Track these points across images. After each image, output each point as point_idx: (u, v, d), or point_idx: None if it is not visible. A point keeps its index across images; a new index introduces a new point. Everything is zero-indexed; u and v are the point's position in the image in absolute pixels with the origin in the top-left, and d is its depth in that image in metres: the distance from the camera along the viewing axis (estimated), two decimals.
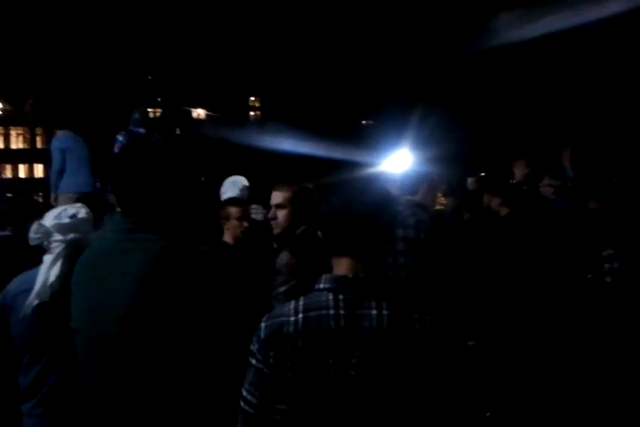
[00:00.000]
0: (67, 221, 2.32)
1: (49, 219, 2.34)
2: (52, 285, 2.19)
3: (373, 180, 1.58)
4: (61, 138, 6.18)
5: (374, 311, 1.41)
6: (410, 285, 3.20)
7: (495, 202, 4.83)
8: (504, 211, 4.69)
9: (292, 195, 2.90)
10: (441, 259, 3.26)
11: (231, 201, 4.01)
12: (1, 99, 42.82)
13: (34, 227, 2.33)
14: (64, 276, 2.12)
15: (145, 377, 1.50)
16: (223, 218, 3.70)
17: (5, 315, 2.31)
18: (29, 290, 2.22)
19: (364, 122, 43.44)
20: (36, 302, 2.18)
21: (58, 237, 2.29)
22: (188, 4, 40.62)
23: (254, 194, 4.89)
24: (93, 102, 33.15)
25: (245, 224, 3.69)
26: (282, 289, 2.65)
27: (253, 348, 1.46)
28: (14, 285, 2.39)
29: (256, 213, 4.84)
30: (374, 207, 1.48)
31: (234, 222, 3.67)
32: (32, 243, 2.37)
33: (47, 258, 2.28)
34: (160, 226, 1.56)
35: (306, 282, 2.53)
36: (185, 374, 1.51)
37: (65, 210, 2.37)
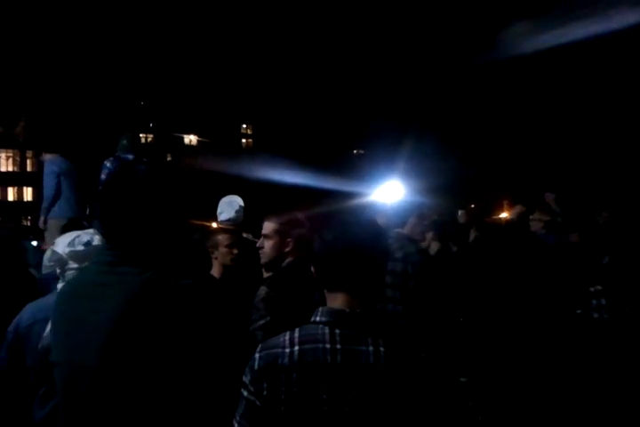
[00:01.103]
0: (81, 248, 2.23)
1: (61, 246, 2.25)
2: None
3: (365, 213, 1.58)
4: (56, 162, 6.09)
5: (371, 348, 1.40)
6: (397, 318, 3.18)
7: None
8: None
9: (279, 226, 2.92)
10: (429, 293, 3.24)
11: (220, 228, 3.95)
12: None
13: (47, 254, 2.24)
14: None
15: (124, 412, 1.46)
16: (211, 246, 3.61)
17: (20, 344, 2.22)
18: (44, 320, 2.11)
19: (355, 151, 43.84)
20: None
21: (73, 264, 2.21)
22: (181, 31, 41.26)
23: (246, 223, 4.85)
24: (85, 126, 33.26)
25: (235, 251, 3.56)
26: (258, 324, 2.64)
27: (246, 379, 1.43)
28: (27, 314, 2.29)
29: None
30: (368, 242, 1.49)
31: (223, 250, 3.57)
32: (45, 271, 2.30)
33: (62, 286, 2.14)
34: (143, 259, 1.53)
35: (284, 317, 2.56)
36: (168, 409, 1.47)
37: (78, 237, 2.27)
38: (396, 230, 3.50)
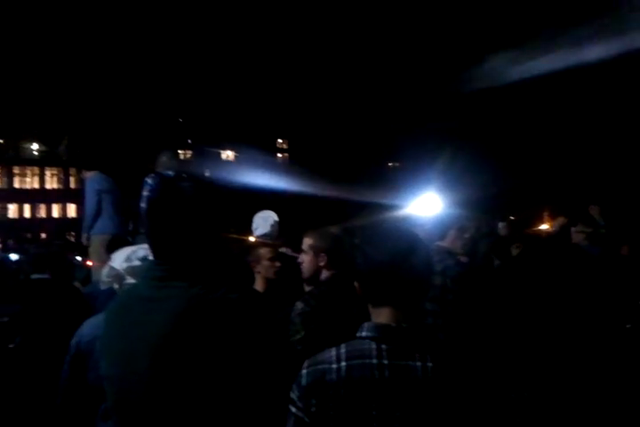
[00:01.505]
0: (137, 263, 2.25)
1: (119, 261, 2.29)
2: None
3: (405, 226, 1.57)
4: (97, 179, 6.22)
5: (419, 363, 1.39)
6: (437, 332, 3.14)
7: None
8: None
9: (312, 241, 2.98)
10: (468, 306, 3.20)
11: (261, 242, 4.00)
12: (37, 140, 44.40)
13: (105, 270, 2.29)
14: None
15: (173, 425, 1.47)
16: (254, 260, 3.65)
17: (82, 360, 2.26)
18: None
19: (389, 164, 43.72)
20: None
21: (130, 280, 2.23)
22: (217, 49, 42.10)
23: (285, 237, 4.88)
24: (126, 144, 34.11)
25: (278, 264, 3.62)
26: (293, 339, 2.67)
27: (293, 395, 1.43)
28: (88, 329, 2.34)
29: None
30: (412, 255, 1.48)
31: (265, 263, 3.61)
32: (103, 286, 2.35)
33: (112, 301, 2.22)
34: (191, 273, 1.55)
35: (320, 331, 2.58)
36: (216, 423, 1.47)
37: (134, 252, 2.31)
38: (437, 243, 3.48)
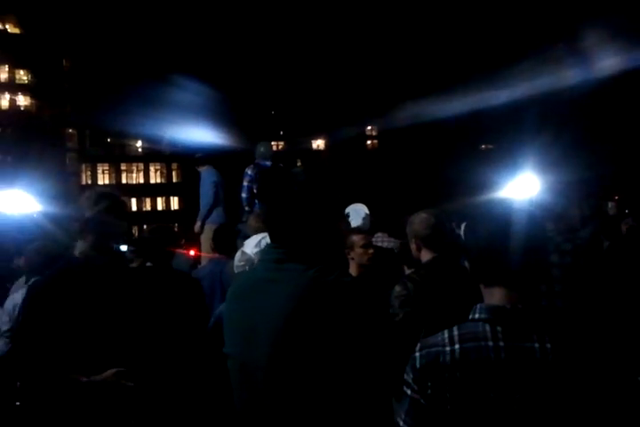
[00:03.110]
0: None
1: (250, 247, 2.43)
2: None
3: (516, 206, 1.52)
4: (213, 173, 6.80)
5: (537, 344, 1.35)
6: (568, 314, 3.05)
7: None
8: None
9: (410, 226, 2.97)
10: (602, 285, 3.08)
11: (353, 229, 4.06)
12: (141, 138, 47.05)
13: (237, 255, 2.46)
14: None
15: (296, 404, 1.52)
16: (347, 247, 3.70)
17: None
18: None
19: (482, 146, 42.37)
20: None
21: None
22: (305, 42, 42.50)
23: (380, 222, 4.91)
24: (224, 139, 35.31)
25: (370, 251, 3.68)
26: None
27: (408, 378, 1.43)
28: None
29: (382, 241, 4.84)
30: (521, 235, 1.43)
31: (358, 250, 3.66)
32: (236, 271, 2.49)
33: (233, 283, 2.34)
34: (307, 256, 1.58)
35: (417, 315, 2.59)
36: (334, 402, 1.51)
37: (264, 237, 2.41)
38: (558, 223, 3.37)
